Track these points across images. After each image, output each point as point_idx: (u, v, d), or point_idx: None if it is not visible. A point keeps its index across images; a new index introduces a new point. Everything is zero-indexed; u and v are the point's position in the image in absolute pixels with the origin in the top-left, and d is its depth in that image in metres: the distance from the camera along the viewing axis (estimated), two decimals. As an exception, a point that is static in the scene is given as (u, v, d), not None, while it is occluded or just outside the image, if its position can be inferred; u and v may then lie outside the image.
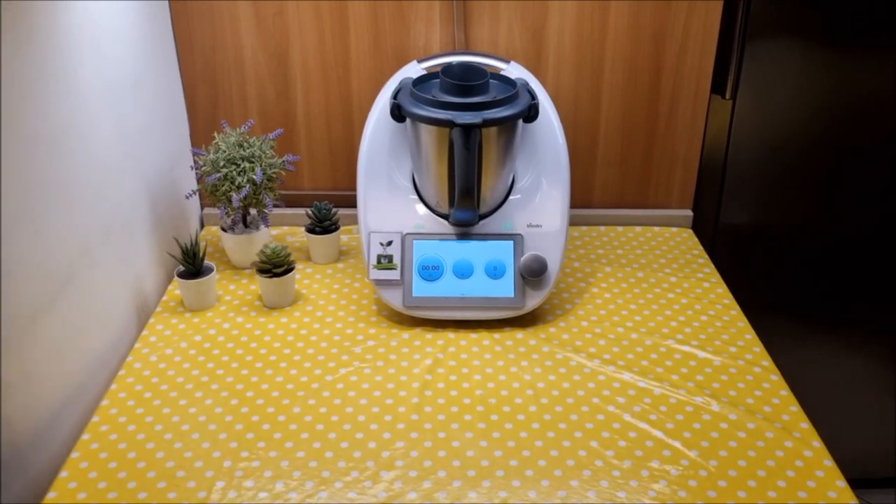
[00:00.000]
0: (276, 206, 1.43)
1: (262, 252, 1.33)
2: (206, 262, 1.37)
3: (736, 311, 1.35)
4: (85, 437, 1.06)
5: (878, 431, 1.93)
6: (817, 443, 1.06)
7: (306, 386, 1.17)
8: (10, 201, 0.95)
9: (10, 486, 0.96)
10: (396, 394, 1.15)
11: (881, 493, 2.00)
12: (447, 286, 1.30)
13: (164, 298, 1.38)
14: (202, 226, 1.65)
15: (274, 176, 1.41)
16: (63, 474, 1.00)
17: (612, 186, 1.65)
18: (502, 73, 1.36)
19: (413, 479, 1.00)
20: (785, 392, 1.15)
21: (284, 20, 1.49)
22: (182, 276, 1.34)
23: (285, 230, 1.61)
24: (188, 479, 0.99)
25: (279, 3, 1.48)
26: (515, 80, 1.31)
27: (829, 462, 1.03)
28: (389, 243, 1.31)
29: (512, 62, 1.39)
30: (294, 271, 1.36)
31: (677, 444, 1.05)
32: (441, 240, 1.32)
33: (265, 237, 1.47)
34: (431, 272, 1.30)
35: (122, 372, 1.19)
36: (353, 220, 1.39)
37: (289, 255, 1.35)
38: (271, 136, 1.45)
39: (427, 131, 1.26)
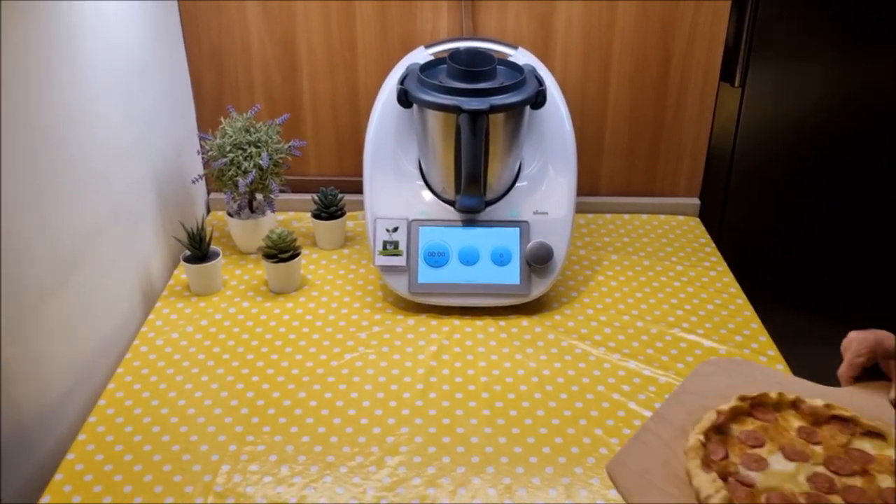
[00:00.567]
0: (282, 191, 1.43)
1: (268, 237, 1.33)
2: (213, 246, 1.37)
3: (742, 299, 1.34)
4: (91, 419, 1.07)
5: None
6: (822, 432, 1.06)
7: (311, 371, 1.17)
8: (17, 186, 0.95)
9: (17, 467, 0.97)
10: (401, 380, 1.15)
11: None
12: (453, 273, 1.30)
13: (171, 283, 1.39)
14: (208, 211, 1.65)
15: (280, 161, 1.41)
16: (70, 456, 1.01)
17: (619, 174, 1.64)
18: (510, 59, 1.35)
19: (417, 465, 1.00)
20: (790, 381, 1.15)
21: (291, 5, 1.48)
22: (188, 260, 1.34)
23: (291, 215, 1.61)
24: (193, 462, 1.00)
25: (286, -12, 1.47)
26: (523, 67, 1.30)
27: (833, 451, 1.02)
28: (395, 229, 1.31)
29: (519, 48, 1.38)
30: (300, 257, 1.36)
31: (682, 433, 1.05)
32: (447, 226, 1.32)
33: (271, 222, 1.47)
34: (437, 259, 1.30)
35: (128, 356, 1.20)
36: (360, 205, 1.39)
37: (295, 240, 1.35)
38: (278, 121, 1.44)
39: (434, 117, 1.25)
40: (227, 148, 1.38)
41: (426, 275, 1.29)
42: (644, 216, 1.64)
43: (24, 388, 0.98)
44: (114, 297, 1.23)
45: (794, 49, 1.56)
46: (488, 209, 1.32)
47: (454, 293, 1.29)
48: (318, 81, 1.55)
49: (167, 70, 1.45)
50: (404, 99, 1.26)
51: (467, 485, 0.98)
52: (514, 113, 1.25)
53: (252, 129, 1.40)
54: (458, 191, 1.28)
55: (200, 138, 1.44)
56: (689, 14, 1.48)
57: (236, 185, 1.38)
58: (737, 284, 1.39)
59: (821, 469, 0.84)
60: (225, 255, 1.43)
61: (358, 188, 1.38)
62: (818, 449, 0.87)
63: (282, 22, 1.50)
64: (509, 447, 1.04)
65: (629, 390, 1.13)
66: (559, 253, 1.30)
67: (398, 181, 1.34)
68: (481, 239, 1.31)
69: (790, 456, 0.86)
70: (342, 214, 1.49)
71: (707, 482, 0.78)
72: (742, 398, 0.90)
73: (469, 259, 1.30)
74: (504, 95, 1.22)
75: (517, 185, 1.35)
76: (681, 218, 1.63)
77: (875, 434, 0.87)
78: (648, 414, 1.08)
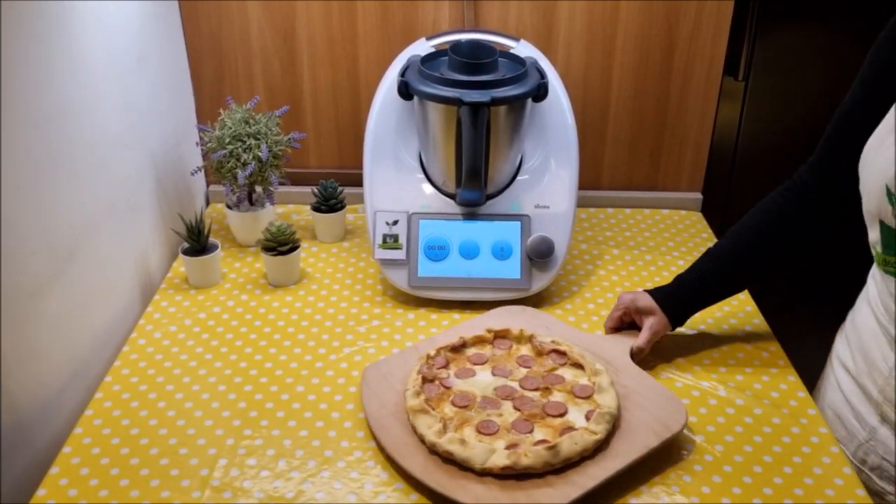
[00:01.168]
0: (281, 183, 1.42)
1: (268, 230, 1.32)
2: (211, 239, 1.36)
3: (744, 295, 1.33)
4: (88, 413, 1.06)
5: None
6: (824, 429, 1.05)
7: (310, 365, 1.16)
8: (14, 176, 0.94)
9: (13, 460, 0.96)
10: (400, 374, 1.15)
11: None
12: (453, 266, 1.29)
13: (169, 275, 1.38)
14: (207, 203, 1.64)
15: (280, 153, 1.40)
16: (66, 450, 1.00)
17: (622, 168, 1.63)
18: (511, 51, 1.34)
19: (416, 460, 1.00)
20: (792, 378, 1.14)
21: (291, -5, 1.47)
22: (187, 253, 1.33)
23: (291, 208, 1.60)
24: (191, 455, 0.99)
25: (286, -22, 1.46)
26: (525, 59, 1.29)
27: (835, 449, 1.02)
28: (395, 222, 1.30)
29: (521, 40, 1.37)
30: (299, 250, 1.35)
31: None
32: (447, 220, 1.31)
33: (270, 215, 1.46)
34: (437, 252, 1.29)
35: (125, 349, 1.19)
36: (360, 198, 1.38)
37: (294, 233, 1.34)
38: (277, 112, 1.43)
39: (435, 109, 1.24)
40: (227, 139, 1.37)
41: (426, 268, 1.29)
42: (646, 210, 1.63)
43: (21, 380, 0.98)
44: (111, 289, 1.22)
45: (799, 42, 1.55)
46: (489, 202, 1.31)
47: (454, 287, 1.29)
48: (318, 73, 1.54)
49: (166, 60, 1.44)
50: (405, 91, 1.25)
51: (466, 480, 0.97)
52: (515, 106, 1.24)
53: (251, 121, 1.39)
54: (458, 184, 1.28)
55: (199, 130, 1.43)
56: (692, 7, 1.47)
57: (235, 178, 1.37)
58: (739, 280, 1.38)
59: (514, 384, 1.06)
60: (224, 248, 1.42)
61: (358, 181, 1.37)
62: (524, 371, 1.09)
63: (282, 12, 1.49)
64: (509, 442, 1.03)
65: (630, 386, 1.12)
66: (560, 247, 1.29)
67: (398, 174, 1.33)
68: (482, 232, 1.30)
69: (495, 372, 1.08)
70: (342, 207, 1.48)
71: (412, 379, 1.05)
72: (489, 330, 1.15)
73: (469, 253, 1.29)
74: (506, 88, 1.21)
75: (518, 178, 1.34)
76: (683, 212, 1.62)
77: (580, 366, 1.08)
78: (649, 410, 1.08)
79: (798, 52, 1.56)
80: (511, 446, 0.95)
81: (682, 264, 1.42)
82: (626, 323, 1.19)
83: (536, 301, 1.31)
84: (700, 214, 1.62)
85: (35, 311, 1.00)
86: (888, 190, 0.90)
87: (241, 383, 1.12)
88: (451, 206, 1.32)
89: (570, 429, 0.97)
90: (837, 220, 1.08)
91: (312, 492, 0.94)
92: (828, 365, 1.16)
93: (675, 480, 0.96)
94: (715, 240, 1.51)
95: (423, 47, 1.36)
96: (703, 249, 1.18)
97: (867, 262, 1.04)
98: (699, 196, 1.64)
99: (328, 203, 1.46)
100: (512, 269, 1.28)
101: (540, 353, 1.12)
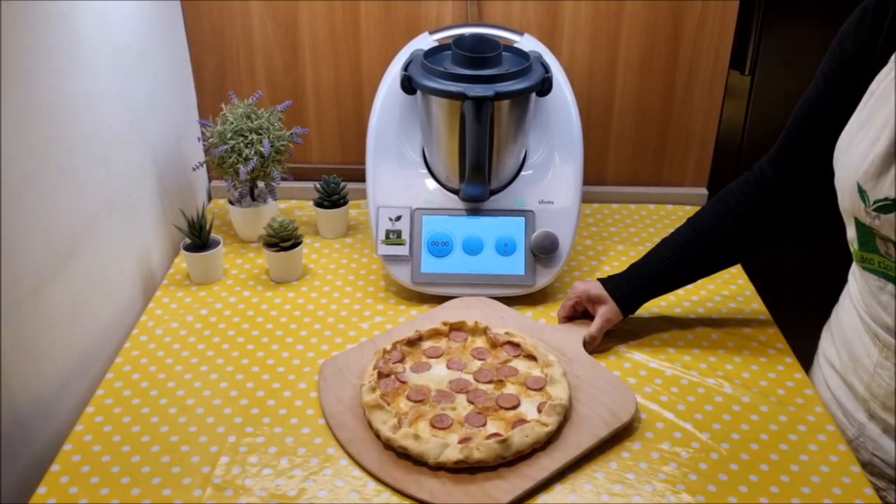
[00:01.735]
0: (283, 179, 1.41)
1: (270, 226, 1.31)
2: (213, 235, 1.35)
3: (751, 291, 1.32)
4: (89, 409, 1.05)
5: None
6: (831, 426, 1.04)
7: (312, 361, 1.15)
8: (14, 172, 0.93)
9: (14, 458, 0.96)
10: (403, 371, 1.14)
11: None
12: (456, 262, 1.28)
13: (171, 271, 1.37)
14: (209, 198, 1.63)
15: (282, 148, 1.39)
16: (67, 447, 0.99)
17: (626, 163, 1.62)
18: (515, 45, 1.33)
19: (419, 458, 0.99)
20: (799, 375, 1.13)
21: (293, -11, 1.46)
22: (188, 248, 1.33)
23: (293, 204, 1.59)
24: (192, 453, 0.98)
25: (288, -28, 1.45)
26: (529, 53, 1.28)
27: (843, 447, 1.01)
28: (398, 218, 1.29)
29: (525, 34, 1.36)
30: (301, 245, 1.35)
31: (688, 426, 1.03)
32: (451, 215, 1.30)
33: (273, 210, 1.45)
34: (441, 248, 1.28)
35: (127, 345, 1.18)
36: (362, 194, 1.37)
37: (296, 228, 1.33)
38: (279, 107, 1.42)
39: (438, 104, 1.23)
40: (228, 135, 1.36)
41: (429, 264, 1.28)
42: (651, 206, 1.62)
43: (21, 378, 0.97)
44: (113, 285, 1.21)
45: (805, 36, 1.54)
46: (493, 198, 1.30)
47: (458, 283, 1.28)
48: (320, 67, 1.53)
49: (167, 55, 1.43)
50: (408, 85, 1.24)
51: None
52: (519, 100, 1.23)
53: (253, 116, 1.38)
54: (462, 179, 1.27)
55: (201, 125, 1.42)
56: (698, 1, 1.45)
57: (237, 173, 1.36)
58: (745, 276, 1.37)
59: (468, 377, 1.07)
60: (226, 244, 1.41)
61: (361, 176, 1.36)
62: (478, 363, 1.10)
63: (284, 6, 1.48)
64: (513, 440, 1.02)
65: (635, 383, 1.11)
66: (565, 243, 1.29)
67: (401, 169, 1.32)
68: (485, 228, 1.29)
69: (450, 366, 1.09)
70: (344, 203, 1.47)
71: (368, 374, 1.06)
72: (444, 323, 1.16)
73: (473, 249, 1.28)
74: (509, 82, 1.20)
75: (522, 173, 1.33)
76: (688, 208, 1.61)
77: (533, 357, 1.09)
78: (655, 407, 1.07)
79: (804, 45, 1.54)
80: (464, 440, 0.97)
81: (687, 260, 1.41)
82: (579, 312, 1.20)
83: (540, 297, 1.30)
84: (705, 210, 1.61)
85: (36, 308, 1.00)
86: (859, 187, 0.89)
87: (243, 380, 1.12)
88: (454, 201, 1.31)
89: (523, 421, 0.99)
90: (796, 213, 1.09)
91: (314, 490, 0.94)
92: (815, 362, 1.16)
93: (680, 479, 0.95)
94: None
95: (426, 41, 1.35)
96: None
97: (850, 258, 1.03)
98: (704, 191, 1.63)
99: (331, 198, 1.46)
100: (516, 265, 1.28)
101: (494, 344, 1.13)
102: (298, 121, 1.55)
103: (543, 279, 1.28)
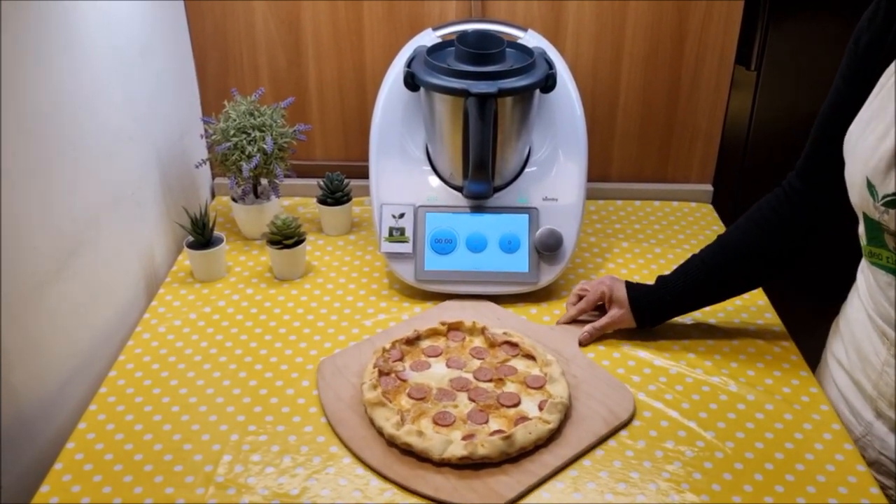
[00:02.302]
0: (287, 176, 1.41)
1: (273, 223, 1.31)
2: (216, 232, 1.35)
3: (756, 289, 1.32)
4: (92, 407, 1.05)
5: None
6: (837, 425, 1.03)
7: (315, 359, 1.15)
8: (16, 169, 0.93)
9: (16, 456, 0.96)
10: (407, 369, 1.13)
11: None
12: (460, 260, 1.27)
13: (174, 269, 1.37)
14: (213, 196, 1.63)
15: (285, 146, 1.39)
16: (70, 445, 0.99)
17: (631, 159, 1.61)
18: (519, 41, 1.32)
19: (422, 456, 0.99)
20: (805, 373, 1.13)
21: (296, -15, 1.46)
22: (191, 246, 1.32)
23: (297, 201, 1.59)
24: (195, 452, 0.98)
25: (291, -32, 1.44)
26: (533, 49, 1.27)
27: (849, 446, 1.00)
28: (402, 215, 1.29)
29: (529, 30, 1.35)
30: (305, 243, 1.34)
31: (693, 425, 1.03)
32: (454, 212, 1.29)
33: (276, 208, 1.44)
34: (444, 245, 1.28)
35: (130, 342, 1.18)
36: (366, 191, 1.36)
37: (300, 226, 1.33)
38: (283, 104, 1.42)
39: (441, 101, 1.23)
40: (231, 132, 1.36)
41: (433, 262, 1.27)
42: (656, 203, 1.61)
43: (24, 375, 0.97)
44: (116, 283, 1.21)
45: (812, 31, 1.53)
46: (496, 195, 1.30)
47: (461, 281, 1.27)
48: (323, 64, 1.53)
49: (170, 52, 1.43)
50: (411, 82, 1.24)
51: (473, 477, 0.96)
52: (523, 97, 1.22)
53: (256, 113, 1.38)
54: (465, 176, 1.26)
55: (204, 122, 1.42)
56: (704, -5, 1.45)
57: (240, 170, 1.36)
58: (750, 273, 1.36)
59: (468, 375, 1.08)
60: (229, 241, 1.41)
61: (364, 173, 1.35)
62: (477, 363, 1.10)
63: (287, 3, 1.47)
64: (516, 439, 1.02)
65: (639, 381, 1.11)
66: (569, 240, 1.28)
67: (405, 166, 1.32)
68: (489, 225, 1.29)
69: (450, 364, 1.10)
70: (348, 200, 1.47)
71: (368, 372, 1.06)
72: (442, 322, 1.16)
73: (477, 246, 1.28)
74: (513, 79, 1.20)
75: (526, 170, 1.32)
76: (693, 205, 1.60)
77: (531, 356, 1.10)
78: (659, 405, 1.06)
79: (811, 41, 1.53)
80: (467, 437, 0.97)
81: (692, 257, 1.41)
82: (589, 308, 1.20)
83: (544, 294, 1.29)
84: (711, 207, 1.60)
85: (39, 305, 1.00)
86: (868, 182, 0.88)
87: (246, 378, 1.11)
88: (458, 198, 1.30)
89: (524, 418, 1.00)
90: (830, 223, 1.06)
91: (317, 488, 0.93)
92: (822, 360, 1.15)
93: (685, 478, 0.95)
94: (726, 232, 1.49)
95: (429, 38, 1.34)
96: (714, 242, 1.17)
97: (859, 255, 1.03)
98: (710, 188, 1.62)
99: (334, 196, 1.45)
100: (520, 262, 1.27)
101: (492, 344, 1.14)
102: (301, 118, 1.55)
103: (547, 277, 1.28)
